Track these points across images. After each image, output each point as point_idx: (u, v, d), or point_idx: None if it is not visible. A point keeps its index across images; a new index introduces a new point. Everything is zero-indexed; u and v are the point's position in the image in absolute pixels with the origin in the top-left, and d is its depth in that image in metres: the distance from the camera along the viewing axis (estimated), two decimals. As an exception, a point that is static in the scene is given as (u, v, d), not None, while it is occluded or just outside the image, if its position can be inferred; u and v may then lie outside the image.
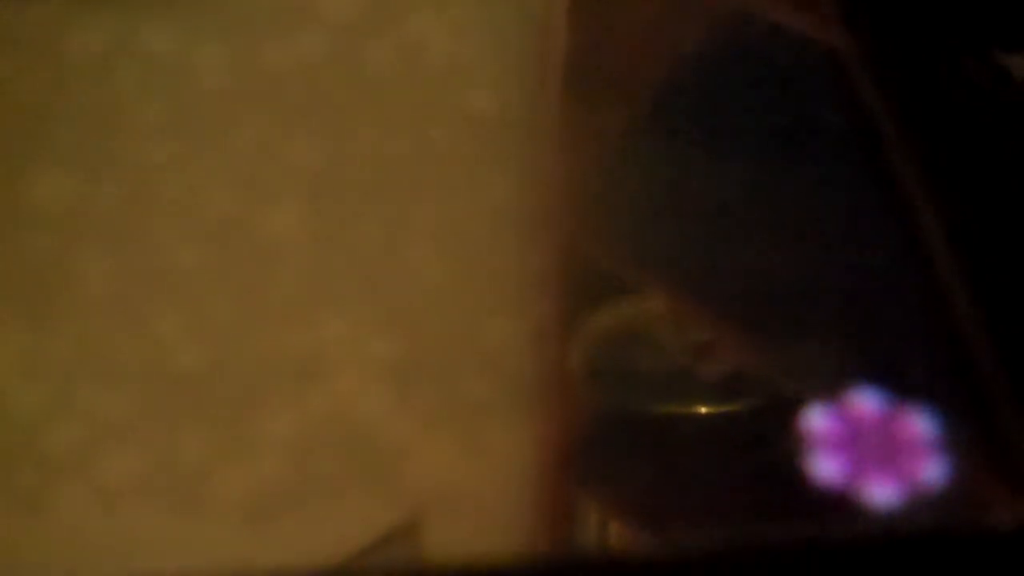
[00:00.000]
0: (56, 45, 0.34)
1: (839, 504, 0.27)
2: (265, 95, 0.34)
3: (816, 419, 0.28)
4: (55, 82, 0.34)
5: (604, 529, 0.29)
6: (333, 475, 0.29)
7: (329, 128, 0.33)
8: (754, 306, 0.31)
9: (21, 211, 0.32)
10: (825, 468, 0.27)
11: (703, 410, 0.30)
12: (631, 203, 0.33)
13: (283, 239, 0.32)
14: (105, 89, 0.34)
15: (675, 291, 0.32)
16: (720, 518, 0.28)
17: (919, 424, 0.27)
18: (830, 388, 0.28)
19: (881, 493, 0.27)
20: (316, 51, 0.35)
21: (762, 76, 0.36)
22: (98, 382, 0.29)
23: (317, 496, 0.28)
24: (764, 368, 0.31)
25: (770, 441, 0.29)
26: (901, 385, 0.28)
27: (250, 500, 0.28)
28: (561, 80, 0.35)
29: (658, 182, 0.34)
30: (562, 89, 0.35)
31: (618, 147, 0.35)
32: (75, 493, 0.28)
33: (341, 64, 0.34)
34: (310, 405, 0.29)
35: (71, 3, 0.35)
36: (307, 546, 0.28)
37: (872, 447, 0.27)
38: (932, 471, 0.27)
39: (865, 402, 0.28)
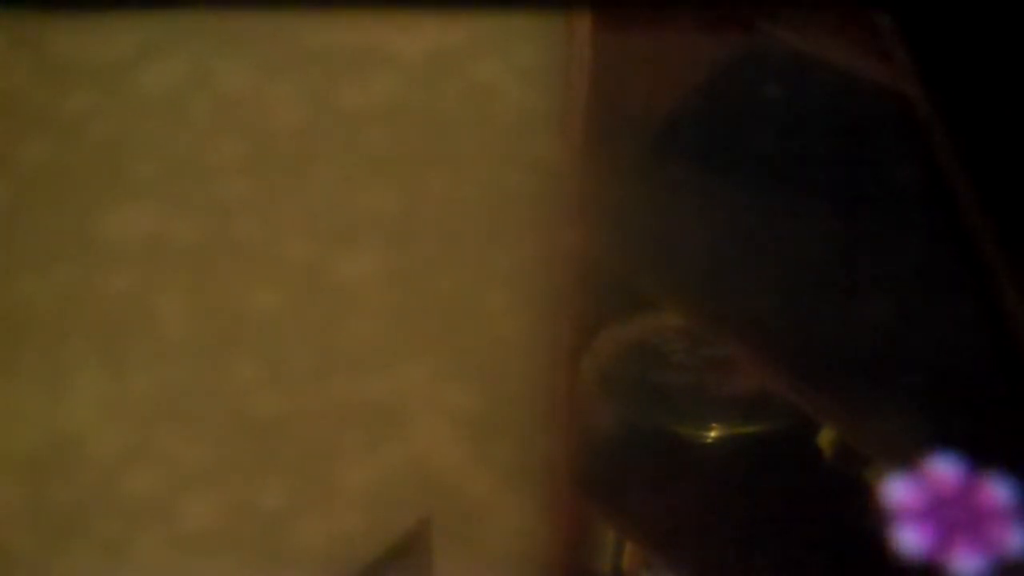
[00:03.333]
0: (132, 82, 0.34)
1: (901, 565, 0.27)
2: (339, 135, 0.34)
3: (894, 489, 0.28)
4: (131, 118, 0.34)
5: (620, 553, 0.29)
6: (409, 527, 0.29)
7: (403, 171, 0.33)
8: (807, 356, 0.31)
9: (98, 248, 0.32)
10: (906, 538, 0.27)
11: (721, 432, 0.30)
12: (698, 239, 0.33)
13: (359, 284, 0.32)
14: (180, 126, 0.34)
15: (708, 313, 0.32)
16: (737, 546, 0.28)
17: (998, 491, 0.27)
18: (907, 456, 0.28)
19: (961, 561, 0.27)
20: (389, 93, 0.35)
21: (829, 119, 0.36)
22: (177, 428, 0.30)
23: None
24: (784, 390, 0.31)
25: (790, 464, 0.30)
26: (978, 451, 0.28)
27: (327, 550, 0.28)
28: (586, 116, 0.36)
29: (710, 218, 0.34)
30: (590, 124, 0.35)
31: (669, 183, 0.35)
32: (154, 539, 0.28)
33: (414, 107, 0.34)
34: (387, 455, 0.29)
35: (147, 40, 0.35)
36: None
37: (950, 515, 0.27)
38: (1012, 539, 0.27)
39: (943, 469, 0.28)
